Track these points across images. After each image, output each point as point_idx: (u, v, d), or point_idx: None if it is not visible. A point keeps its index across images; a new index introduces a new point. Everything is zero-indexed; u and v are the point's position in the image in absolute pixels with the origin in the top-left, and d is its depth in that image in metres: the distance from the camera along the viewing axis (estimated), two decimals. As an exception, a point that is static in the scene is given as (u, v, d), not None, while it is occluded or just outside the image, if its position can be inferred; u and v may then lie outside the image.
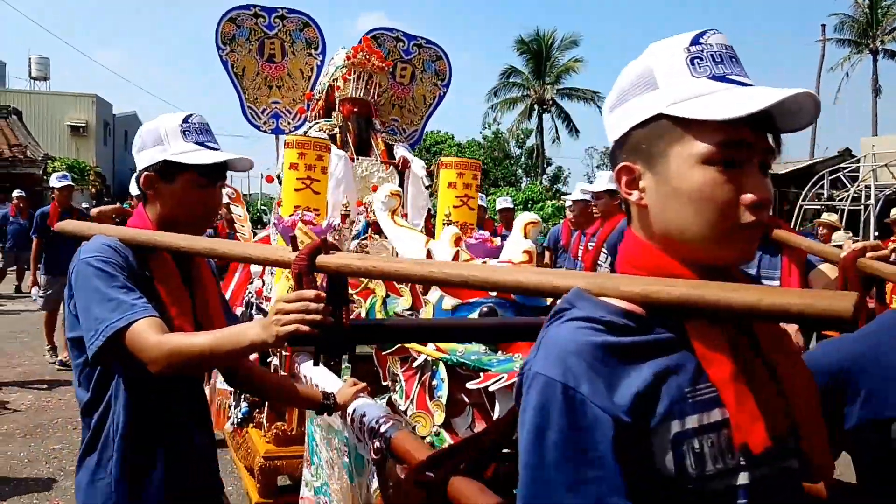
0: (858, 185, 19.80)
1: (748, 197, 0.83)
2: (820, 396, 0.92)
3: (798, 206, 20.26)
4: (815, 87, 29.72)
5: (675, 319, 0.84)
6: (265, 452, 2.82)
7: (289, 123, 3.70)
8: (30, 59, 31.69)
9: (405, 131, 4.07)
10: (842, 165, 21.56)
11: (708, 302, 0.80)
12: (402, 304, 2.39)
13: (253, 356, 2.48)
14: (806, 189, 21.16)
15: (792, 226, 19.48)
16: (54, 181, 7.22)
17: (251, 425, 3.10)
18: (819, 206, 20.03)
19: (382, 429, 1.56)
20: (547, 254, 7.20)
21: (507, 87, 32.27)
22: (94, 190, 26.26)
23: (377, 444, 1.55)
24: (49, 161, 22.15)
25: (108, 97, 33.94)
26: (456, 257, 2.21)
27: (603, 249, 4.32)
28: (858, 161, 20.97)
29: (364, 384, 1.87)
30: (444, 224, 3.06)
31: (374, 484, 1.68)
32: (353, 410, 1.74)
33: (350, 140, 3.50)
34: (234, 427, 3.21)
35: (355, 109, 3.49)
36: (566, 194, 18.75)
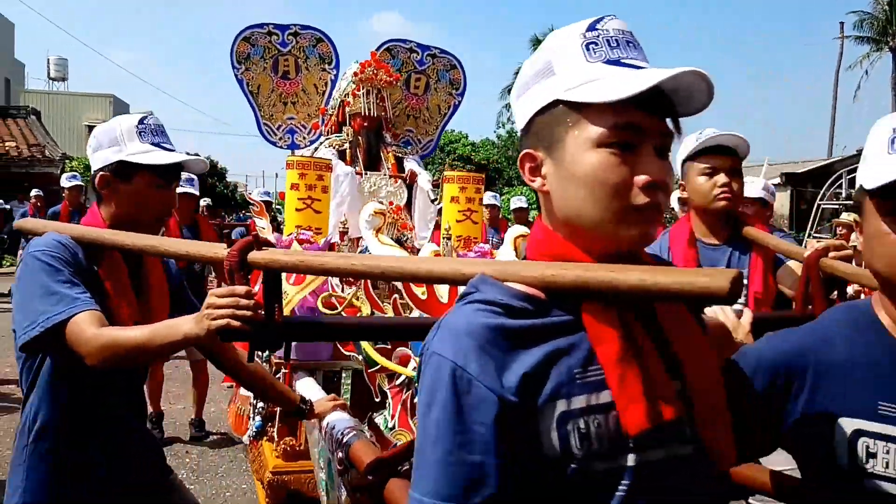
0: None
1: (641, 178, 0.84)
2: (722, 381, 0.93)
3: (816, 205, 20.01)
4: (833, 85, 29.47)
5: (573, 303, 0.85)
6: (273, 467, 2.90)
7: (304, 138, 3.79)
8: (48, 59, 32.42)
9: (420, 141, 4.13)
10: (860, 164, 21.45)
11: (600, 283, 0.83)
12: (384, 321, 2.51)
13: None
14: (824, 188, 20.88)
15: (809, 225, 19.19)
16: (64, 181, 7.57)
17: (265, 438, 3.22)
18: (837, 206, 19.74)
19: (345, 439, 1.61)
20: None
21: (521, 86, 32.34)
22: None
23: (340, 454, 1.61)
24: (67, 161, 22.26)
25: (125, 97, 34.44)
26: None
27: None
28: None
29: (342, 400, 1.94)
30: (443, 238, 3.15)
31: (343, 493, 1.76)
32: (327, 423, 1.82)
33: (360, 155, 3.59)
34: (251, 439, 3.33)
35: (365, 124, 3.58)
36: None
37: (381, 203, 3.31)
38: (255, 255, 1.35)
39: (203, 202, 13.49)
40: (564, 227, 0.91)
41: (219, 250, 1.44)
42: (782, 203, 23.36)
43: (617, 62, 0.86)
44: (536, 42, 31.29)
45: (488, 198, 7.05)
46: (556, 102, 0.88)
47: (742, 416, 1.07)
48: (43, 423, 1.58)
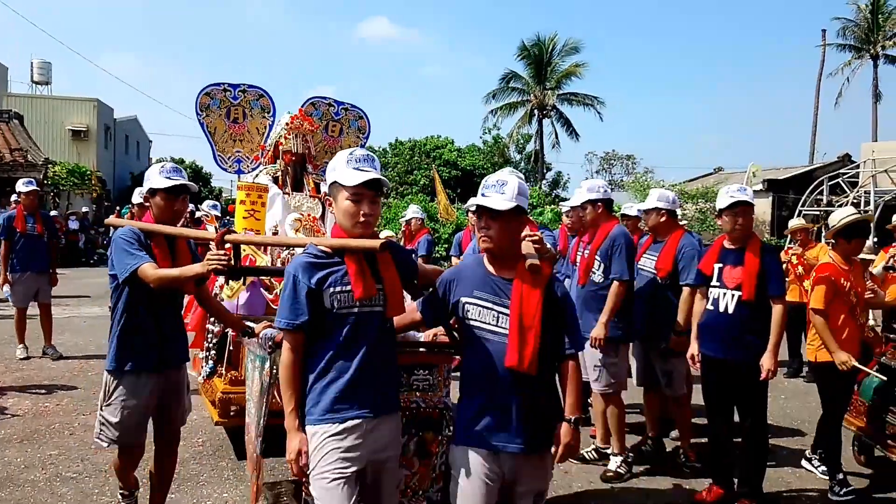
0: (858, 191, 20.91)
1: (361, 212, 2.52)
2: (399, 280, 2.66)
3: (797, 211, 21.03)
4: (815, 91, 31.07)
5: (341, 253, 2.55)
6: (222, 390, 4.63)
7: (247, 167, 5.50)
8: (32, 63, 33.59)
9: (335, 171, 5.89)
10: (841, 171, 22.50)
11: (344, 245, 2.55)
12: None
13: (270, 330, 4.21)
14: (805, 195, 22.14)
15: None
16: (20, 186, 7.97)
17: (215, 376, 4.92)
18: (818, 212, 20.78)
19: (270, 334, 3.30)
20: None
21: (507, 92, 33.98)
22: (94, 194, 27.60)
23: (269, 343, 3.29)
24: (50, 165, 23.38)
25: (110, 101, 35.68)
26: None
27: (596, 257, 4.82)
28: (858, 167, 22.09)
29: (270, 323, 3.61)
30: None
31: (266, 367, 3.41)
32: (262, 334, 3.48)
33: (288, 180, 5.30)
34: (204, 379, 5.03)
35: (293, 159, 5.29)
36: (565, 200, 19.85)
37: (301, 214, 5.00)
38: (228, 237, 3.22)
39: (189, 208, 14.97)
40: (341, 227, 2.61)
41: (211, 234, 3.37)
42: (764, 210, 24.60)
43: (358, 168, 2.51)
44: (524, 48, 32.95)
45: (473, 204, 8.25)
46: (335, 182, 2.55)
47: (439, 306, 2.83)
48: (125, 317, 3.36)
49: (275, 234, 4.86)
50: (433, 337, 3.35)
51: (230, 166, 5.48)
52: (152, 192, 3.45)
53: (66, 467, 4.65)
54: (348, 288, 2.53)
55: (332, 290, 2.52)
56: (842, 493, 4.51)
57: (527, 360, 2.56)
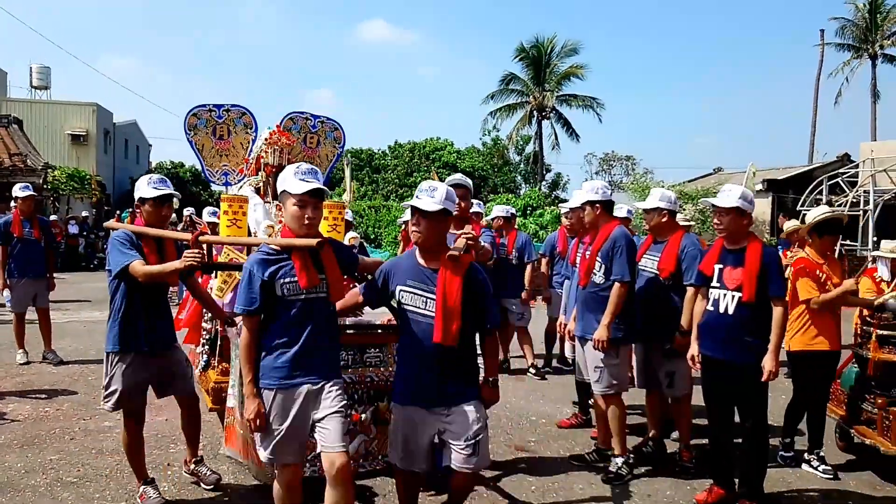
0: (857, 191, 21.28)
1: (306, 215, 3.22)
2: (341, 273, 3.41)
3: (796, 211, 21.57)
4: (814, 91, 31.56)
5: (289, 250, 3.24)
6: (215, 380, 5.35)
7: (234, 178, 6.21)
8: (31, 68, 34.23)
9: (314, 180, 6.60)
10: (840, 171, 22.96)
11: (289, 244, 3.26)
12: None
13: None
14: (805, 195, 22.57)
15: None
16: (17, 191, 8.06)
17: (210, 369, 5.63)
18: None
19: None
20: (543, 260, 8.26)
21: (506, 94, 34.49)
22: (94, 199, 28.18)
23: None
24: (49, 170, 23.97)
25: (109, 105, 36.21)
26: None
27: (597, 259, 4.88)
28: (857, 166, 22.57)
29: None
30: None
31: None
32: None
33: (270, 191, 5.98)
34: (200, 371, 5.74)
35: (273, 170, 5.96)
36: (565, 201, 20.11)
37: (279, 223, 5.69)
38: (201, 238, 3.95)
39: (187, 212, 15.48)
40: (289, 228, 3.33)
41: (189, 236, 3.99)
42: (763, 210, 25.05)
43: (303, 179, 3.24)
44: (523, 50, 33.51)
45: (472, 206, 8.35)
46: (284, 190, 3.28)
47: (378, 290, 3.61)
48: (122, 306, 4.06)
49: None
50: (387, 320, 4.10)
51: (218, 179, 6.18)
52: (142, 201, 4.15)
53: (67, 472, 4.77)
54: (295, 279, 3.18)
55: (282, 280, 3.18)
56: (820, 467, 5.03)
57: (451, 337, 3.26)
